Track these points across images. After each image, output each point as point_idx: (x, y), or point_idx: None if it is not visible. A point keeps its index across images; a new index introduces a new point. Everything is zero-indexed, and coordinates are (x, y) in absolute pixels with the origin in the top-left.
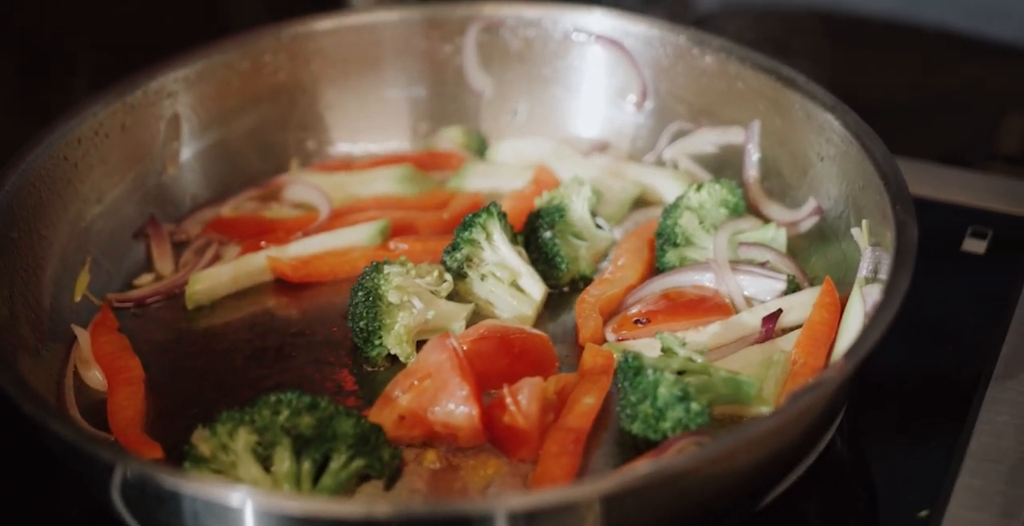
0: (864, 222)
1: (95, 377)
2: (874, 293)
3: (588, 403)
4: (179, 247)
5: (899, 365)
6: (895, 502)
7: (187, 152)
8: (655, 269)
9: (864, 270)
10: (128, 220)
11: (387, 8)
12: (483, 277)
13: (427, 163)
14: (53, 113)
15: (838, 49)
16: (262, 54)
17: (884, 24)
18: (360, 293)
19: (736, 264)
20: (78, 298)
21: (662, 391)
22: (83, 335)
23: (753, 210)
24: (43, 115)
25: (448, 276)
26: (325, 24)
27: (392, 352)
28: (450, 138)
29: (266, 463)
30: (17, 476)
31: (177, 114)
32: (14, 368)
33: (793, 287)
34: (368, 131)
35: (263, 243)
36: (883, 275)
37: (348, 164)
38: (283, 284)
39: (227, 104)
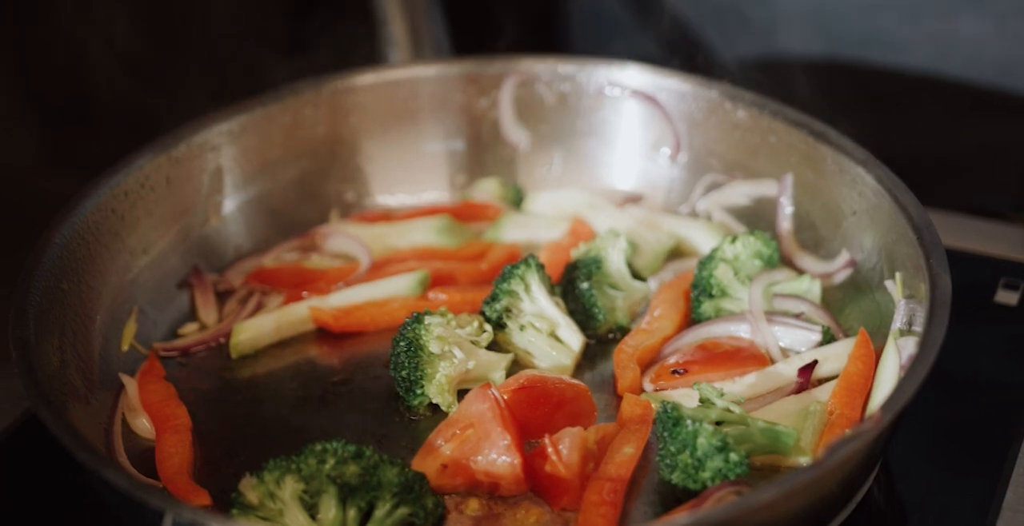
0: (898, 274)
1: (143, 425)
2: (909, 346)
3: (628, 453)
4: (222, 297)
5: (934, 416)
6: None
7: (230, 204)
8: (691, 320)
9: (898, 322)
10: (173, 271)
11: (425, 63)
12: (522, 327)
13: (465, 214)
14: (98, 167)
15: (867, 103)
16: (303, 108)
17: (911, 78)
18: (402, 343)
19: (771, 315)
20: (125, 347)
21: (701, 441)
22: (131, 383)
23: (787, 262)
24: (89, 169)
25: (488, 326)
26: (365, 79)
27: (434, 401)
28: (487, 190)
29: (312, 511)
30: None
31: (220, 167)
32: (65, 416)
33: (828, 338)
34: (406, 183)
35: (305, 293)
36: (918, 327)
37: (387, 215)
38: (325, 333)
39: (269, 157)
